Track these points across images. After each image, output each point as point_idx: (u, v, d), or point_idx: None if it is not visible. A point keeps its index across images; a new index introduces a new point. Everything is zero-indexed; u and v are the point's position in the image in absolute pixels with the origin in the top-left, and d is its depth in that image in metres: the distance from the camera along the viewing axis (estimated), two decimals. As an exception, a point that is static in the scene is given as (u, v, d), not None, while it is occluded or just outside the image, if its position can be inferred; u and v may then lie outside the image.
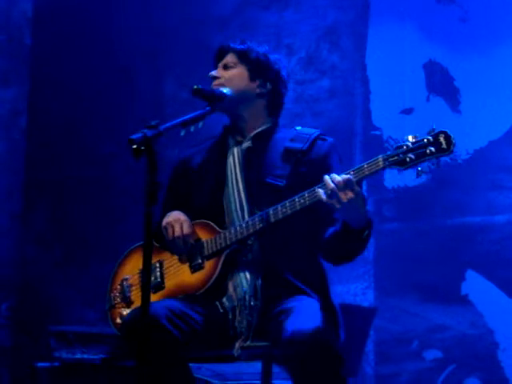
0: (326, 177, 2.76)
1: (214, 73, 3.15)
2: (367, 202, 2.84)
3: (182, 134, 2.87)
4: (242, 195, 3.05)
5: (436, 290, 4.74)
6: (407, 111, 4.99)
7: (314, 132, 3.12)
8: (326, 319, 2.80)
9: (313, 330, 2.68)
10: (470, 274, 4.71)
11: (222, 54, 3.18)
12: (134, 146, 2.54)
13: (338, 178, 2.74)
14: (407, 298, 4.82)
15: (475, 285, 4.70)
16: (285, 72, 3.24)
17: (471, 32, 4.92)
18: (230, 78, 3.12)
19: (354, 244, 2.88)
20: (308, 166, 3.03)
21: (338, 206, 2.73)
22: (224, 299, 2.99)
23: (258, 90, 3.15)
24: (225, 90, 3.07)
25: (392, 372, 4.83)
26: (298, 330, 2.69)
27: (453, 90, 4.92)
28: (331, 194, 2.73)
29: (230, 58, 3.15)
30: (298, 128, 3.17)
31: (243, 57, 3.14)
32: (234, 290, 2.98)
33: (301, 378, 2.71)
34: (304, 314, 2.79)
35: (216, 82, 3.13)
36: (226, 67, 3.15)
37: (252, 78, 3.14)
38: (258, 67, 3.14)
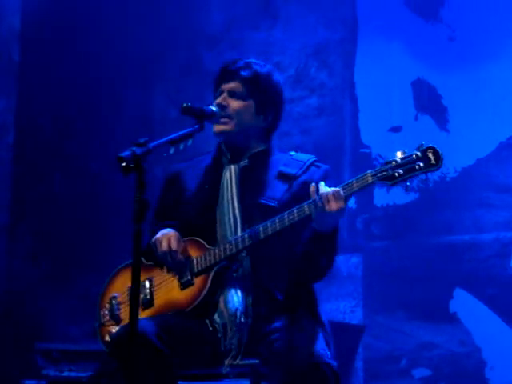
0: (322, 183, 2.81)
1: (221, 101, 3.09)
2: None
3: (172, 151, 2.87)
4: (237, 212, 3.05)
5: (424, 308, 4.75)
6: (396, 129, 5.01)
7: (309, 158, 3.12)
8: (318, 339, 2.80)
9: (308, 352, 2.70)
10: (458, 292, 4.72)
11: (227, 77, 3.13)
12: (123, 164, 2.53)
13: (328, 189, 2.78)
14: (396, 316, 4.82)
15: (463, 303, 4.70)
16: (283, 91, 3.21)
17: (459, 51, 4.94)
18: (238, 111, 3.08)
19: (318, 250, 2.89)
20: (301, 189, 3.02)
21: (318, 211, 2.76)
22: (215, 316, 2.99)
23: (262, 124, 3.14)
24: (214, 108, 3.07)
25: (381, 390, 4.83)
26: (294, 352, 2.70)
27: (441, 108, 4.94)
28: (319, 201, 2.76)
29: (237, 87, 3.10)
30: (293, 153, 3.17)
31: (252, 88, 3.10)
32: (225, 306, 2.98)
33: None
34: (298, 336, 2.80)
35: (223, 113, 3.07)
36: (232, 95, 3.11)
37: (258, 113, 3.12)
38: (265, 101, 3.12)
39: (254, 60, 3.19)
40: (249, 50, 5.41)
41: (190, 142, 2.91)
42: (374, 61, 5.13)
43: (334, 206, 2.76)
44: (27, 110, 5.90)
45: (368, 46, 5.19)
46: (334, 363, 2.73)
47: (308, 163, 3.10)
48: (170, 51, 5.75)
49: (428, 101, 4.98)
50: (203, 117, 3.00)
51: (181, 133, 2.88)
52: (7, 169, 5.83)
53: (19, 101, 5.91)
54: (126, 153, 2.56)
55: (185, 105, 2.96)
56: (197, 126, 2.95)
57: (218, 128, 3.08)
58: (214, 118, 3.04)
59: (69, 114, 5.81)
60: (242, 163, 3.13)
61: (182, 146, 2.88)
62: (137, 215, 2.52)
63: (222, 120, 3.07)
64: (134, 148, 2.58)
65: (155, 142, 2.69)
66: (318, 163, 3.11)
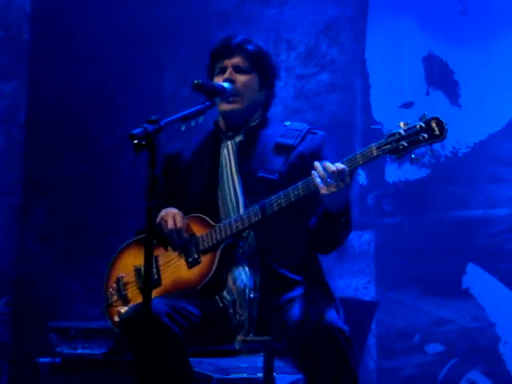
0: (317, 163, 2.78)
1: (228, 76, 3.10)
2: (351, 190, 2.84)
3: (183, 128, 2.87)
4: (237, 187, 3.06)
5: (437, 283, 4.74)
6: (407, 105, 4.98)
7: (304, 127, 3.13)
8: (329, 308, 2.82)
9: (320, 315, 2.71)
10: (471, 268, 4.72)
11: (230, 52, 3.14)
12: (135, 141, 2.53)
13: (332, 166, 2.75)
14: (408, 292, 4.83)
15: (476, 278, 4.70)
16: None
17: (470, 25, 4.91)
18: (245, 85, 3.10)
19: (332, 229, 2.89)
20: (300, 159, 3.03)
21: (324, 192, 2.74)
22: (224, 293, 3.00)
23: (263, 99, 3.18)
24: (225, 85, 3.07)
25: (394, 366, 4.84)
26: (306, 316, 2.72)
27: (452, 83, 4.91)
28: (323, 180, 2.75)
29: (242, 61, 3.12)
30: (287, 124, 3.18)
31: (256, 63, 3.13)
32: (234, 283, 2.99)
33: (309, 366, 2.74)
34: (309, 305, 2.81)
35: (233, 88, 3.07)
36: (238, 70, 3.12)
37: (261, 88, 3.16)
38: (267, 75, 3.16)
39: (246, 36, 3.21)
40: (259, 27, 5.40)
41: (201, 118, 2.92)
42: (385, 37, 5.11)
43: (340, 183, 2.75)
44: (38, 90, 5.91)
45: (379, 21, 5.16)
46: (347, 328, 2.74)
47: (304, 132, 3.10)
48: (180, 29, 5.74)
49: (439, 76, 4.95)
50: (214, 94, 3.00)
51: (192, 110, 2.88)
52: (19, 149, 5.85)
53: (30, 81, 5.93)
54: (138, 130, 2.55)
55: (196, 81, 2.95)
56: (208, 103, 2.96)
57: (226, 107, 3.08)
58: (225, 94, 3.05)
59: (80, 93, 5.82)
60: (238, 138, 3.14)
61: (193, 123, 2.89)
62: (149, 193, 2.52)
63: (231, 99, 3.08)
64: (146, 125, 2.58)
65: (167, 119, 2.69)
66: (314, 130, 3.12)
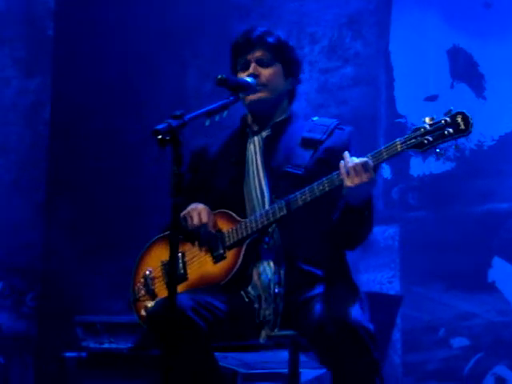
0: (346, 153, 2.79)
1: (252, 71, 3.09)
2: (376, 184, 2.85)
3: (207, 123, 2.86)
4: (263, 183, 3.06)
5: (462, 277, 4.73)
6: (431, 98, 4.96)
7: (332, 122, 3.12)
8: (353, 305, 2.82)
9: (344, 313, 2.71)
10: (497, 261, 4.69)
11: (251, 46, 3.13)
12: (159, 137, 2.53)
13: (356, 160, 2.76)
14: (433, 286, 4.81)
15: (502, 272, 4.68)
16: None
17: (495, 17, 4.89)
18: (270, 78, 3.10)
19: (353, 223, 2.89)
20: (327, 154, 3.03)
21: (348, 184, 2.75)
22: (249, 288, 3.00)
23: (289, 87, 3.17)
24: (249, 79, 3.07)
25: (419, 360, 4.82)
26: (330, 314, 2.72)
27: (477, 75, 4.89)
28: (349, 172, 2.75)
29: (263, 54, 3.12)
30: (315, 119, 3.17)
31: (278, 54, 3.12)
32: (259, 278, 2.98)
33: (334, 363, 2.75)
34: (333, 302, 2.81)
35: (259, 81, 3.08)
36: (261, 64, 3.11)
37: (286, 77, 3.15)
38: (291, 64, 3.16)
39: (265, 28, 3.19)
40: (282, 21, 5.39)
41: (225, 113, 2.91)
42: (409, 29, 5.09)
43: (364, 177, 2.75)
44: (62, 86, 5.94)
45: (402, 14, 5.14)
46: (371, 326, 2.74)
47: (332, 127, 3.09)
48: (202, 24, 5.74)
49: (464, 69, 4.93)
50: (238, 88, 3.00)
51: (216, 104, 2.87)
52: (44, 145, 5.88)
53: (54, 77, 5.95)
54: (162, 125, 2.55)
55: (220, 76, 2.95)
56: (232, 98, 2.95)
57: (253, 97, 3.08)
58: (249, 89, 3.04)
59: (104, 88, 5.83)
60: (265, 133, 3.13)
61: (217, 118, 2.88)
62: (174, 189, 2.52)
63: (258, 88, 3.08)
64: (170, 120, 2.57)
65: (191, 114, 2.68)
66: (341, 126, 3.11)
